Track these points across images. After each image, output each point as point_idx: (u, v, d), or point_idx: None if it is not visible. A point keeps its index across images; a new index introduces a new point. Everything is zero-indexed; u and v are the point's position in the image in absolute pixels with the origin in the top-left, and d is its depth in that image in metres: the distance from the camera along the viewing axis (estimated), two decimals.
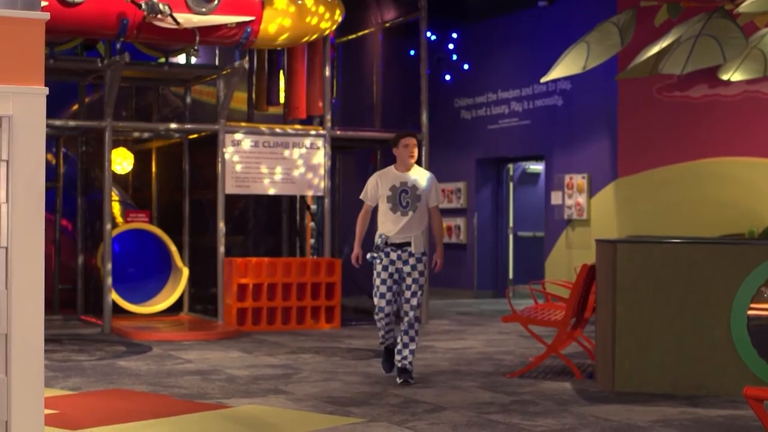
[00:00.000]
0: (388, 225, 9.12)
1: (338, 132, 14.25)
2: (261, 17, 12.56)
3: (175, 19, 11.84)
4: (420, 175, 9.28)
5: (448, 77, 18.64)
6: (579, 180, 16.79)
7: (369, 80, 16.21)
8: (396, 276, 9.14)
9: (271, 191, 13.90)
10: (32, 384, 4.67)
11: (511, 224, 19.45)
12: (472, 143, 18.99)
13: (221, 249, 13.55)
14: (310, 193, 14.16)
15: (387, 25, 15.79)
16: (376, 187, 9.26)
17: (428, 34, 15.56)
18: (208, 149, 14.16)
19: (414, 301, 9.15)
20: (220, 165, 13.46)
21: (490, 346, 12.04)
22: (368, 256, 9.10)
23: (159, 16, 11.75)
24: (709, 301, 8.61)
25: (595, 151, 16.65)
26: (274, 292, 13.50)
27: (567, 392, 8.76)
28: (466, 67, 18.62)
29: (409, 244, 9.10)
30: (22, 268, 4.65)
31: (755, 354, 8.51)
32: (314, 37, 13.21)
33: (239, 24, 12.42)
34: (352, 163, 17.80)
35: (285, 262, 13.76)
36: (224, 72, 13.68)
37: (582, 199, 16.74)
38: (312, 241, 17.24)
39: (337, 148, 15.44)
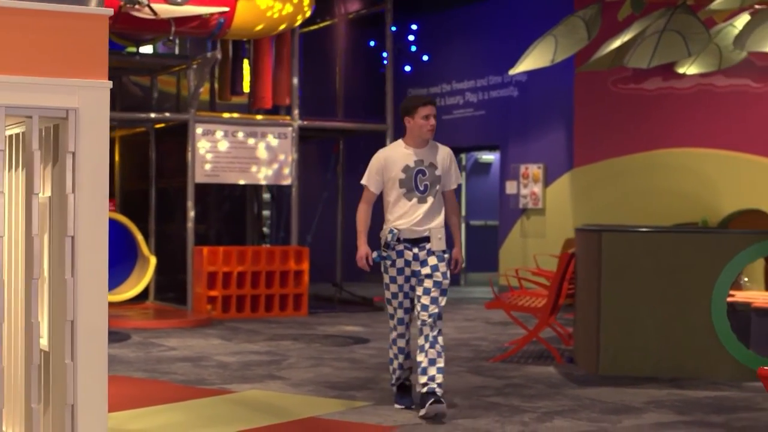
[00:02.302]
0: (402, 216, 7.25)
1: (306, 122, 14.41)
2: (235, 8, 12.68)
3: (152, 10, 11.92)
4: (437, 151, 7.40)
5: (408, 68, 18.85)
6: (534, 170, 17.12)
7: (331, 71, 16.39)
8: (413, 281, 7.33)
9: (240, 181, 14.04)
10: (97, 369, 4.82)
11: (463, 213, 19.74)
12: None
13: (191, 237, 13.66)
14: (278, 182, 14.30)
15: (350, 16, 15.97)
16: (382, 169, 7.36)
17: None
18: (174, 138, 14.26)
19: (436, 309, 7.19)
20: (189, 154, 13.57)
21: (462, 332, 12.31)
22: (374, 255, 7.35)
23: (136, 6, 11.83)
24: (691, 288, 8.94)
25: (550, 142, 16.99)
26: (243, 280, 13.65)
27: (554, 376, 9.04)
28: (425, 58, 18.85)
29: (427, 239, 7.24)
30: (87, 256, 4.79)
31: (734, 338, 8.87)
32: (285, 28, 13.36)
33: (214, 15, 12.53)
34: (312, 153, 17.96)
35: (254, 250, 13.91)
36: (195, 62, 13.77)
37: (537, 188, 17.08)
38: (265, 229, 17.41)
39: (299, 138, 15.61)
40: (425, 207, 7.27)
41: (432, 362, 7.14)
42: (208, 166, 13.69)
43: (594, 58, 13.62)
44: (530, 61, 13.08)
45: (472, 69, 18.34)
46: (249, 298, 13.64)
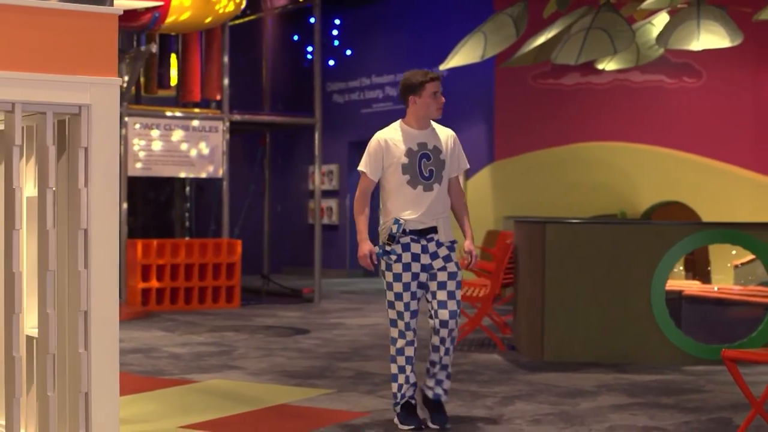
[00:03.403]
0: (407, 206, 6.55)
1: (237, 116, 14.54)
2: (169, 2, 12.75)
3: None
4: (440, 133, 6.78)
5: (332, 62, 19.04)
6: None
7: (256, 64, 16.52)
8: (423, 277, 6.58)
9: (172, 174, 14.12)
10: (109, 358, 4.96)
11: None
12: (345, 127, 19.45)
13: (124, 231, 13.71)
14: (209, 176, 14.41)
15: (277, 10, 16.12)
16: (382, 152, 6.62)
17: (312, 20, 15.96)
18: None
19: (454, 305, 6.57)
20: (122, 148, 13.60)
21: None
22: (376, 251, 6.61)
23: None
24: (631, 277, 9.32)
25: (471, 135, 17.31)
26: (177, 273, 13.74)
27: (501, 363, 9.35)
28: (348, 52, 19.06)
29: (435, 230, 6.55)
30: (100, 248, 4.94)
31: (673, 325, 9.27)
32: (218, 21, 13.47)
33: (148, 9, 12.59)
34: (237, 147, 18.06)
35: (187, 243, 14.00)
36: (129, 56, 13.80)
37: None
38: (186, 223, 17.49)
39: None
40: (432, 196, 6.55)
41: (444, 367, 6.66)
42: (139, 160, 13.74)
43: (518, 54, 14.00)
44: (460, 57, 13.43)
45: (393, 63, 18.60)
46: (183, 291, 13.73)
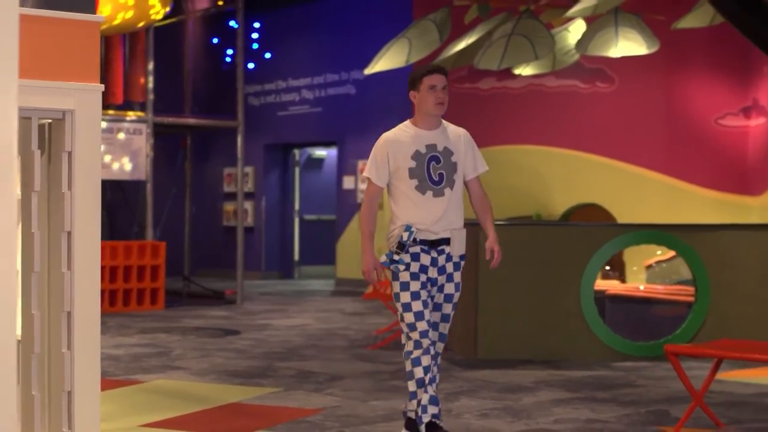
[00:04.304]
0: (417, 213, 6.01)
1: (161, 118, 14.60)
2: (98, 3, 12.76)
3: None
4: (451, 133, 6.21)
5: (251, 65, 19.14)
6: None
7: (176, 67, 16.56)
8: (429, 287, 6.07)
9: None
10: (91, 357, 5.09)
11: (297, 207, 20.17)
12: (261, 129, 19.57)
13: None
14: (133, 178, 14.44)
15: (199, 14, 16.19)
16: (388, 156, 6.09)
17: (232, 23, 16.07)
18: None
19: (446, 329, 6.22)
20: None
21: (323, 322, 12.74)
22: (382, 260, 6.06)
23: None
24: (561, 277, 9.65)
25: None
26: (102, 275, 13.72)
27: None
28: (268, 55, 19.18)
29: (447, 242, 6.05)
30: (82, 250, 5.06)
31: (601, 323, 9.62)
32: (145, 24, 13.52)
33: None
34: (158, 149, 18.06)
35: (112, 245, 14.01)
36: None
37: None
38: None
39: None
40: (443, 202, 6.04)
41: (432, 380, 6.08)
42: None
43: (438, 59, 14.27)
44: (385, 62, 13.66)
45: (311, 67, 18.79)
46: (108, 293, 13.74)
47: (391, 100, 17.42)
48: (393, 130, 6.24)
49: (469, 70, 16.34)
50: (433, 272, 6.03)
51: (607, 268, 11.29)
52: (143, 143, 14.27)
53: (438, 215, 6.02)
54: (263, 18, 19.26)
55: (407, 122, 6.24)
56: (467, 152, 6.21)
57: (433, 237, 6.01)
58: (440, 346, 6.18)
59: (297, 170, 20.19)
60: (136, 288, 13.98)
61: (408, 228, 5.97)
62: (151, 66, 14.50)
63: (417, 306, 5.98)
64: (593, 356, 9.54)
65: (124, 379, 8.47)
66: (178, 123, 15.22)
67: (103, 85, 5.13)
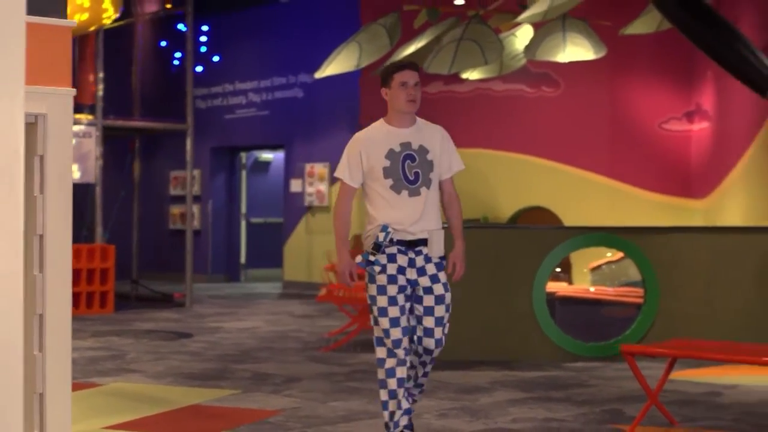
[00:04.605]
0: (393, 213, 5.85)
1: (110, 121, 14.58)
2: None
3: None
4: (426, 130, 6.04)
5: (200, 68, 19.14)
6: (320, 169, 17.77)
7: (125, 70, 16.54)
8: (408, 291, 5.89)
9: None
10: (63, 359, 5.12)
11: (243, 210, 20.20)
12: (207, 132, 19.56)
13: None
14: (82, 181, 14.40)
15: (148, 17, 16.18)
16: (361, 155, 5.91)
17: (180, 26, 16.07)
18: None
19: (440, 333, 5.96)
20: None
21: (274, 325, 12.80)
22: (358, 261, 5.89)
23: None
24: (514, 279, 9.79)
25: (336, 142, 17.63)
26: None
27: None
28: (216, 59, 19.18)
29: (424, 242, 5.89)
30: (54, 253, 5.10)
31: (553, 324, 9.78)
32: (96, 27, 13.51)
33: None
34: (106, 151, 18.01)
35: None
36: None
37: (323, 187, 17.73)
38: None
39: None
40: (420, 202, 5.87)
41: (419, 385, 6.17)
42: None
43: (387, 63, 14.38)
44: (336, 66, 13.74)
45: (258, 70, 18.83)
46: None
47: (339, 103, 17.52)
48: (366, 129, 6.06)
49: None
50: (411, 273, 5.84)
51: (558, 270, 11.45)
52: (92, 146, 14.24)
53: (415, 216, 5.84)
54: (211, 21, 19.26)
55: (380, 121, 6.06)
56: (443, 150, 6.01)
57: (410, 237, 5.84)
58: (438, 351, 5.98)
59: (244, 173, 20.21)
60: (85, 291, 13.95)
61: (384, 228, 5.81)
62: (100, 69, 14.47)
63: (393, 312, 5.80)
64: (545, 357, 9.70)
65: (81, 382, 8.48)
66: (128, 126, 15.19)
67: (74, 90, 5.17)
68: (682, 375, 8.65)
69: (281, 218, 18.99)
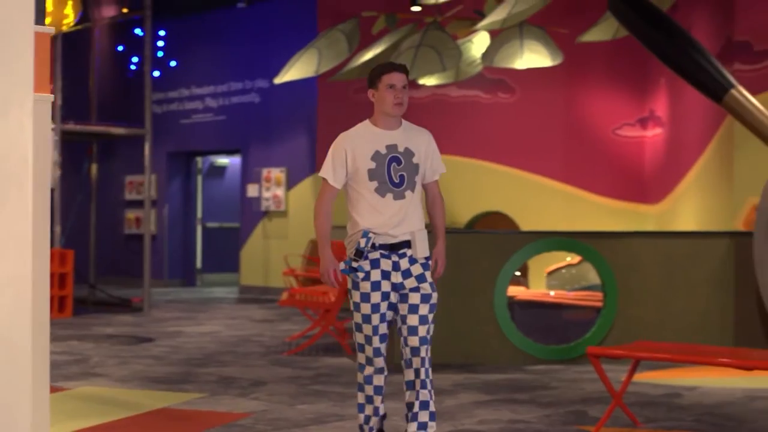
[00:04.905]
0: (376, 216, 5.77)
1: (68, 126, 14.56)
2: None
3: None
4: (413, 134, 5.92)
5: (157, 73, 19.11)
6: (277, 173, 17.83)
7: (81, 74, 16.51)
8: (393, 297, 5.85)
9: None
10: (41, 364, 5.17)
11: (199, 215, 20.21)
12: (163, 137, 19.54)
13: None
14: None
15: (106, 21, 16.17)
16: (346, 154, 5.83)
17: (138, 30, 16.08)
18: None
19: (425, 331, 5.86)
20: None
21: (235, 329, 12.84)
22: (341, 267, 5.84)
23: None
24: (475, 283, 9.92)
25: (293, 147, 17.74)
26: None
27: (353, 366, 9.75)
28: (173, 63, 19.18)
29: (407, 244, 5.82)
30: (33, 258, 5.13)
31: (514, 327, 9.91)
32: (56, 32, 13.47)
33: None
34: (64, 156, 17.97)
35: None
36: None
37: (280, 191, 17.79)
38: None
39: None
40: (404, 205, 5.78)
41: (425, 405, 5.86)
42: None
43: (345, 69, 14.51)
44: (295, 72, 13.84)
45: (215, 75, 18.85)
46: None
47: (296, 109, 17.59)
48: (351, 129, 5.94)
49: None
50: (396, 277, 5.78)
51: (518, 273, 11.61)
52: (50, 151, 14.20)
53: (398, 219, 5.75)
54: (168, 26, 19.26)
55: (366, 122, 5.95)
56: (428, 154, 5.93)
57: (392, 240, 5.76)
58: (424, 349, 5.84)
59: (199, 178, 20.22)
60: None
61: (365, 234, 5.73)
62: (59, 72, 14.45)
63: (375, 319, 5.77)
64: (506, 360, 9.83)
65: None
66: (86, 131, 15.18)
67: (53, 95, 5.22)
68: (643, 377, 8.82)
69: (238, 223, 19.02)
